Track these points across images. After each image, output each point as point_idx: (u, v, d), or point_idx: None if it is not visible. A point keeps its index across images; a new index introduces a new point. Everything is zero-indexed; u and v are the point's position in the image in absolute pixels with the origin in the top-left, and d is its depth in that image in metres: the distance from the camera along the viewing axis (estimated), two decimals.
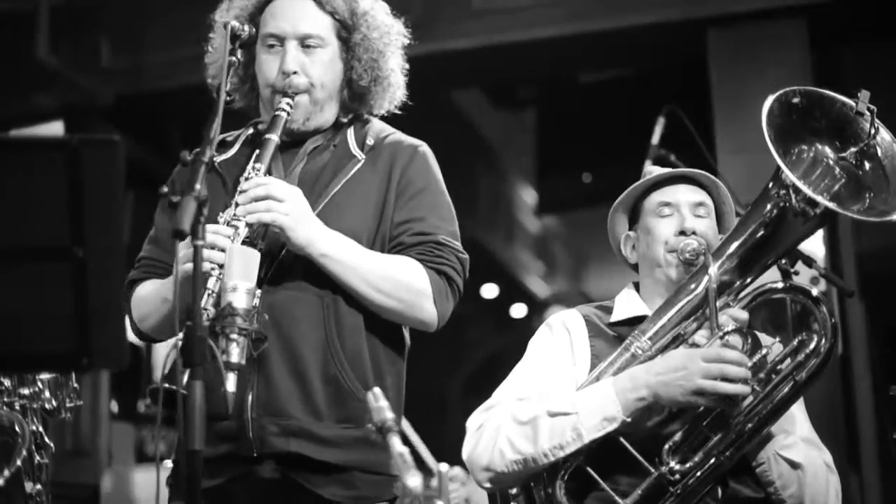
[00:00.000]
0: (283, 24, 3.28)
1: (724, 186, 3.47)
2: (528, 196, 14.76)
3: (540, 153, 11.89)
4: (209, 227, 2.93)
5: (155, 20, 7.95)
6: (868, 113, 3.18)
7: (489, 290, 14.55)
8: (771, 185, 3.14)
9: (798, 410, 3.29)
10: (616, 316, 3.42)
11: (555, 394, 3.20)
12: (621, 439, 3.10)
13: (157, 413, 2.69)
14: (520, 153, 13.24)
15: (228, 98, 3.35)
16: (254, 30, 3.26)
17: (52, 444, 3.67)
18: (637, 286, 3.50)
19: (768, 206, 3.14)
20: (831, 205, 3.03)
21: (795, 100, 3.19)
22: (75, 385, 3.81)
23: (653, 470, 3.08)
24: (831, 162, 3.18)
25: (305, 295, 3.17)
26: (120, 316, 2.30)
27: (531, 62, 8.02)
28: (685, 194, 3.41)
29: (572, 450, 3.09)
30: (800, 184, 3.02)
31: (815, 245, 6.63)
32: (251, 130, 3.44)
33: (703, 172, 3.45)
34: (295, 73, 3.25)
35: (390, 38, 3.41)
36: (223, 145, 3.41)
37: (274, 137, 3.16)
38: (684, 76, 7.77)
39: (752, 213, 3.18)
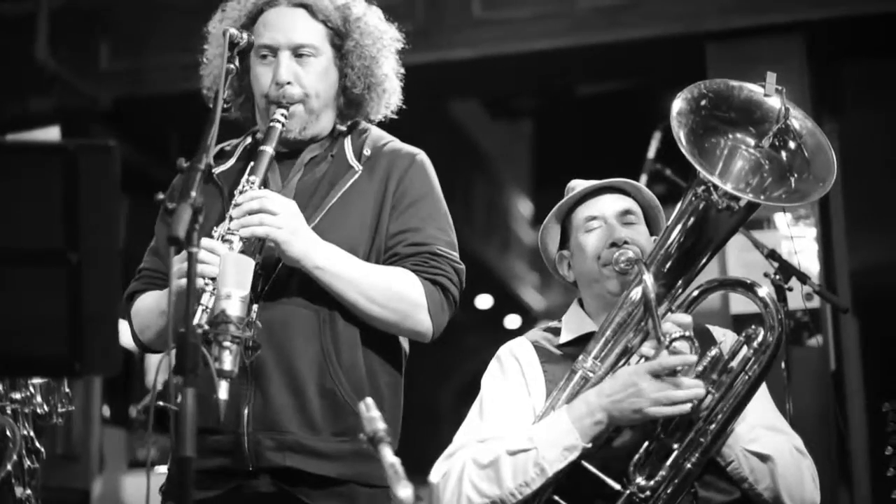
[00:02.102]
0: (276, 35, 3.28)
1: (647, 189, 3.45)
2: (524, 207, 14.76)
3: (536, 165, 11.91)
4: (203, 241, 2.94)
5: (155, 24, 7.95)
6: (777, 94, 3.17)
7: (484, 301, 14.54)
8: (691, 184, 3.11)
9: (757, 398, 3.18)
10: (564, 337, 3.38)
11: (512, 432, 3.16)
12: (585, 464, 3.06)
13: (149, 420, 2.68)
14: (516, 164, 13.24)
15: (225, 107, 3.35)
16: (252, 37, 3.26)
17: (42, 449, 3.67)
18: (582, 302, 3.47)
19: (691, 207, 3.11)
20: (749, 196, 3.02)
21: (703, 98, 3.17)
22: (67, 390, 3.81)
23: (622, 490, 3.04)
24: (751, 150, 3.15)
25: (301, 310, 3.17)
26: (113, 322, 2.29)
27: (530, 73, 8.03)
28: (610, 204, 3.38)
29: (538, 485, 3.05)
30: (715, 180, 3.00)
31: (809, 262, 6.65)
32: (249, 140, 3.44)
33: (624, 179, 3.42)
34: (289, 83, 3.25)
35: (383, 43, 3.41)
36: (222, 155, 3.42)
37: (269, 149, 3.15)
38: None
39: (677, 217, 3.14)
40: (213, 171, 3.32)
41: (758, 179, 3.12)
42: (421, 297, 3.21)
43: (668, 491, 3.04)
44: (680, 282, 3.15)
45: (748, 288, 3.17)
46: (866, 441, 7.67)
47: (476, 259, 12.69)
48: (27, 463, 3.60)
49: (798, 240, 6.69)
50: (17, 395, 3.68)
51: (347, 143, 3.38)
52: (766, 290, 3.15)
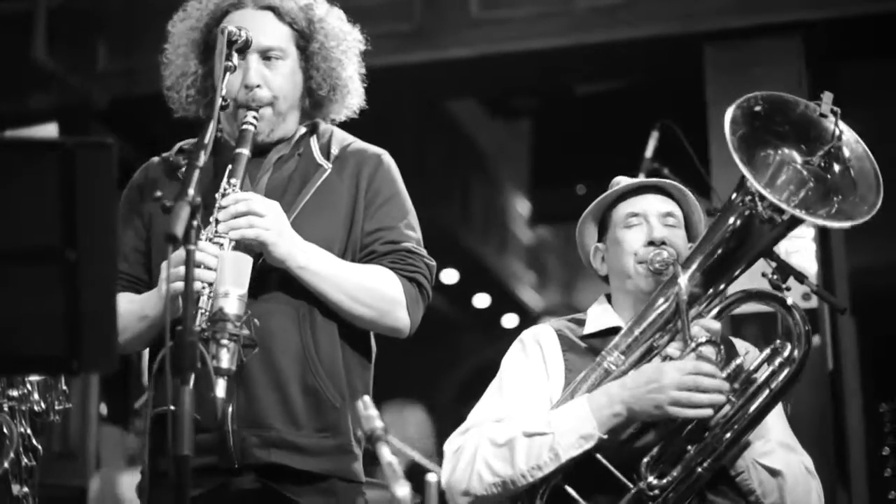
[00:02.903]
0: None
1: (692, 196, 3.45)
2: (521, 207, 14.75)
3: (535, 164, 11.87)
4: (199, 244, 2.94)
5: (152, 24, 7.92)
6: (832, 115, 3.18)
7: (481, 300, 14.53)
8: (736, 193, 3.13)
9: (774, 415, 3.24)
10: (589, 328, 3.40)
11: (530, 414, 3.18)
12: (598, 456, 3.08)
13: (146, 427, 2.69)
14: (514, 164, 13.23)
15: (190, 108, 3.37)
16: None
17: (39, 447, 3.66)
18: (609, 297, 3.49)
19: (735, 215, 3.13)
20: (795, 211, 3.02)
21: (757, 106, 3.18)
22: (64, 388, 3.80)
23: (631, 486, 3.07)
24: (798, 166, 3.16)
25: (281, 307, 3.20)
26: (111, 319, 2.29)
27: (528, 73, 8.02)
28: (653, 204, 3.39)
29: (550, 470, 3.08)
30: (764, 191, 3.01)
31: (807, 261, 6.64)
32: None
33: (672, 182, 3.44)
34: (258, 86, 3.26)
35: (347, 45, 3.44)
36: (181, 153, 3.44)
37: (245, 151, 3.18)
38: (680, 90, 7.78)
39: (719, 222, 3.17)
40: (179, 170, 3.38)
41: (802, 196, 3.13)
42: (399, 294, 3.27)
43: (677, 493, 3.07)
44: (714, 287, 3.18)
45: (781, 303, 3.19)
46: (863, 441, 7.67)
47: (474, 258, 12.67)
48: (24, 461, 3.60)
49: (796, 239, 6.68)
50: (15, 393, 3.67)
51: (313, 142, 3.41)
52: (799, 308, 3.18)
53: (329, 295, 3.19)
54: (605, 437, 3.06)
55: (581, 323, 3.43)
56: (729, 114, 3.10)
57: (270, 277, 3.18)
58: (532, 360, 3.35)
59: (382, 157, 3.43)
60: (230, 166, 3.16)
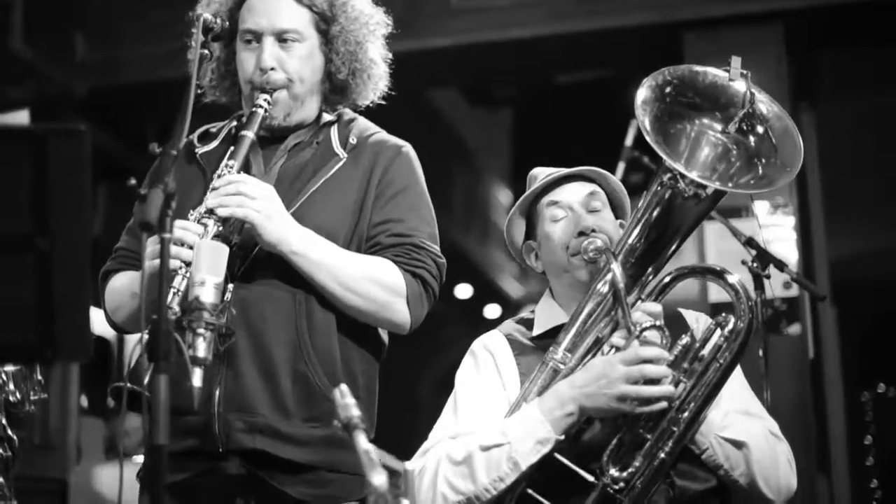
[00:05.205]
0: (260, 20, 3.25)
1: (611, 175, 3.41)
2: (503, 196, 14.74)
3: (516, 153, 11.89)
4: (178, 222, 2.91)
5: (131, 14, 7.91)
6: (743, 78, 3.15)
7: (463, 291, 14.53)
8: (656, 172, 3.09)
9: (731, 382, 3.14)
10: (538, 329, 3.35)
11: (484, 427, 3.15)
12: (558, 456, 3.04)
13: (122, 409, 2.66)
14: (495, 153, 13.22)
15: (199, 91, 3.32)
16: (226, 23, 3.23)
17: (15, 437, 3.64)
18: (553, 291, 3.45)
19: (658, 195, 3.07)
20: (717, 184, 2.99)
21: (667, 86, 3.14)
22: (40, 378, 3.78)
23: (596, 482, 3.02)
24: (717, 135, 3.11)
25: (277, 292, 3.15)
26: (85, 307, 2.26)
27: (509, 62, 8.03)
28: (575, 192, 3.35)
29: (512, 480, 3.04)
30: (681, 168, 2.97)
31: (787, 250, 6.66)
32: (235, 123, 3.42)
33: (588, 168, 3.39)
34: (272, 69, 3.23)
35: (369, 28, 3.39)
36: (206, 137, 3.40)
37: (249, 134, 3.14)
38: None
39: (644, 205, 3.11)
40: (197, 151, 3.35)
41: (725, 166, 3.08)
42: (400, 287, 3.20)
43: (643, 481, 3.02)
44: (649, 270, 3.12)
45: (718, 275, 3.13)
46: (845, 430, 7.70)
47: (455, 248, 12.67)
48: (0, 451, 3.58)
49: (776, 228, 6.70)
50: None
51: (334, 131, 3.35)
52: (736, 278, 3.10)
53: (323, 282, 3.13)
54: (562, 437, 3.03)
55: (529, 324, 3.39)
56: (639, 95, 3.07)
57: (269, 262, 3.13)
58: (485, 371, 3.31)
59: (402, 149, 3.37)
60: (231, 148, 3.14)
